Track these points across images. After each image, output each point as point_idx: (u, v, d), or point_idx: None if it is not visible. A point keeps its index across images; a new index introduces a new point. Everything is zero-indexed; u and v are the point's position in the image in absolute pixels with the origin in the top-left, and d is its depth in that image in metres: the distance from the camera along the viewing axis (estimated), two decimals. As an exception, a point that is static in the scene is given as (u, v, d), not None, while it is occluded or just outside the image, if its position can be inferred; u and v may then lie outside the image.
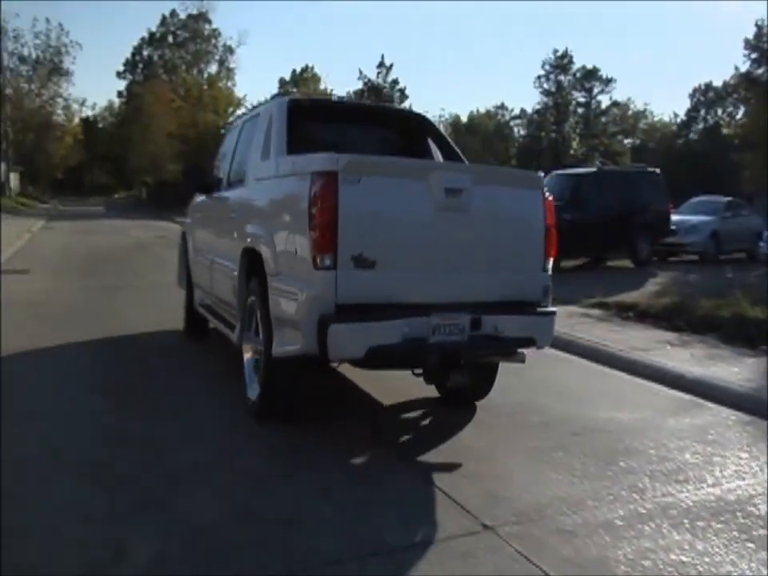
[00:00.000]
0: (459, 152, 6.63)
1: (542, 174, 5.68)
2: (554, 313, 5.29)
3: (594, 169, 18.14)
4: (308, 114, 6.39)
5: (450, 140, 6.87)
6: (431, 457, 4.64)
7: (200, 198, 8.28)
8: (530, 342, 5.09)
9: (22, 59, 68.59)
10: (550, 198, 5.37)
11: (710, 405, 6.18)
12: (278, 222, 5.13)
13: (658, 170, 17.67)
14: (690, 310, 9.77)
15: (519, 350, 5.24)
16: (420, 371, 5.39)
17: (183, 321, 8.64)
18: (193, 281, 8.28)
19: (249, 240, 5.61)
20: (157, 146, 61.18)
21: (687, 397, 6.44)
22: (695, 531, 3.70)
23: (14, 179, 62.68)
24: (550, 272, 5.34)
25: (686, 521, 3.82)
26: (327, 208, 4.43)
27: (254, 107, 6.20)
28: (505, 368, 7.01)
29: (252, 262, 5.49)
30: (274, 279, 4.97)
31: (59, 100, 71.62)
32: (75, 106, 78.86)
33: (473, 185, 4.88)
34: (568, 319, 9.84)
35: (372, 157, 5.19)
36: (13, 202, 51.98)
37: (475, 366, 5.62)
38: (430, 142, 6.86)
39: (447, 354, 4.97)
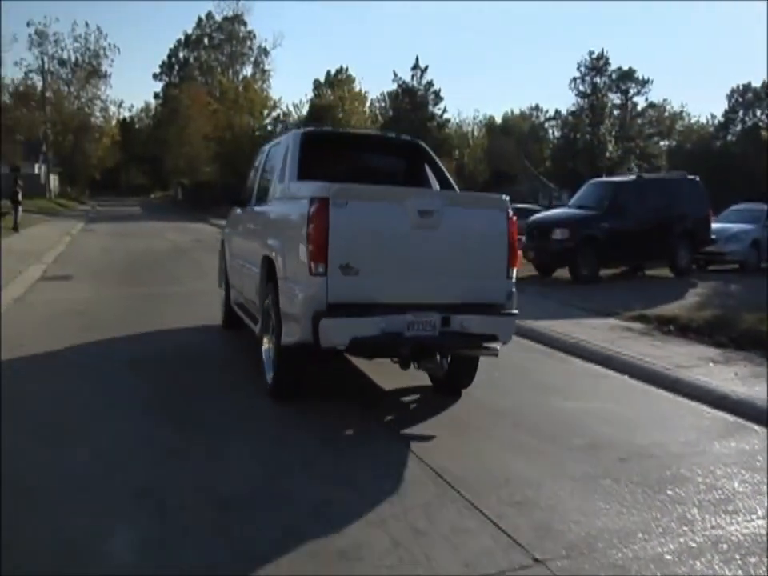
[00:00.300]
0: (449, 175, 7.78)
1: (507, 198, 6.35)
2: (515, 314, 6.19)
3: (633, 176, 17.94)
4: (320, 144, 7.51)
5: (441, 165, 7.92)
6: (479, 480, 4.66)
7: (236, 210, 9.34)
8: (493, 338, 6.03)
9: (62, 62, 69.75)
10: (514, 218, 6.27)
11: (756, 427, 6.10)
12: (286, 236, 6.25)
13: (697, 178, 17.43)
14: (733, 324, 9.65)
15: (492, 346, 6.10)
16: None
17: (222, 316, 9.80)
18: (229, 282, 9.47)
19: (267, 250, 6.74)
20: (193, 147, 61.71)
21: (732, 418, 6.37)
22: (747, 568, 3.67)
23: (53, 180, 63.71)
24: (513, 279, 6.28)
25: (737, 556, 3.79)
26: (320, 226, 5.53)
27: (279, 134, 7.83)
28: (550, 387, 7.09)
29: (269, 268, 6.58)
30: (283, 282, 6.11)
31: (97, 102, 72.65)
32: (113, 108, 79.98)
33: (443, 207, 5.91)
34: (609, 333, 9.79)
35: (357, 185, 6.14)
36: (52, 203, 52.84)
37: (457, 359, 6.67)
38: (426, 166, 7.93)
39: (420, 346, 5.92)
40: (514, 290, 6.24)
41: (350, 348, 5.63)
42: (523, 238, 16.52)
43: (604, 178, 18.77)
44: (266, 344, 6.73)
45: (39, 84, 65.01)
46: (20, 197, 27.91)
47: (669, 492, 4.60)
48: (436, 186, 7.67)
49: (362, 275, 5.62)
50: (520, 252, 7.43)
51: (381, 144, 8.66)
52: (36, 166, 59.12)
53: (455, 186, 7.63)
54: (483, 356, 6.43)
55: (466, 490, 4.45)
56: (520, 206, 39.80)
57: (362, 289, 5.64)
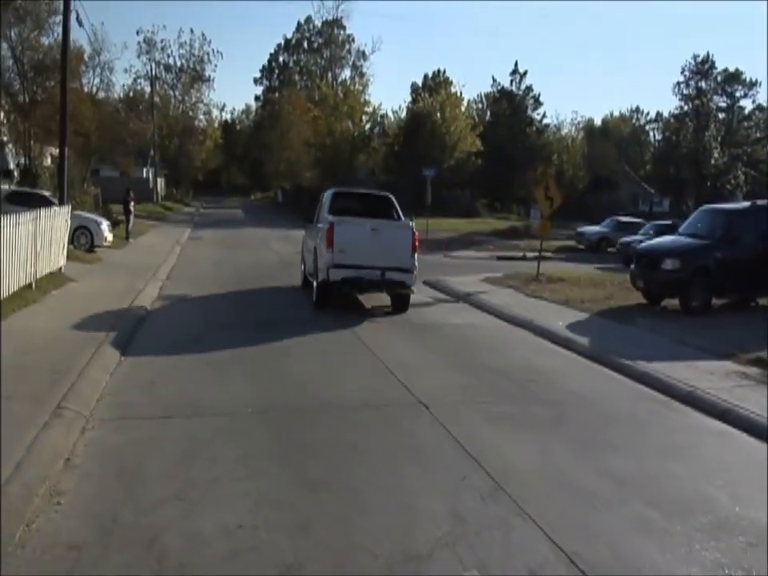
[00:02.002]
0: (400, 211, 15.54)
1: (413, 222, 14.62)
2: (414, 272, 14.03)
3: (746, 204, 17.41)
4: (343, 196, 16.00)
5: (397, 205, 15.64)
6: (612, 568, 4.72)
7: (308, 224, 17.22)
8: (403, 283, 13.88)
9: (168, 68, 72.16)
10: (416, 233, 14.21)
11: None
12: (320, 237, 14.22)
13: (815, 205, 16.75)
14: None
15: (413, 289, 14.25)
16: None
17: (301, 280, 17.49)
18: (304, 261, 17.24)
19: (315, 243, 14.83)
20: (293, 152, 62.91)
21: None
22: None
23: (160, 183, 65.95)
24: (415, 258, 13.99)
25: None
26: (330, 233, 13.70)
27: (328, 189, 16.93)
28: (669, 448, 6.99)
29: (315, 251, 14.64)
30: (319, 256, 14.17)
31: (200, 105, 74.85)
32: (215, 111, 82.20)
33: (383, 227, 14.15)
34: (725, 380, 9.57)
35: (348, 217, 14.34)
36: (159, 206, 54.75)
37: (397, 297, 14.44)
38: (392, 207, 15.54)
39: (371, 284, 13.80)
40: (416, 263, 13.99)
41: (340, 282, 13.56)
42: (632, 267, 16.34)
43: (716, 205, 18.19)
44: (314, 285, 14.43)
45: (147, 89, 67.50)
46: (131, 206, 29.03)
47: (805, 592, 4.53)
48: (394, 216, 15.27)
49: (347, 254, 13.51)
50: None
51: (371, 196, 16.54)
52: (144, 170, 61.39)
53: (401, 216, 15.30)
54: (408, 293, 14.16)
55: (600, 582, 4.46)
56: (623, 219, 38.95)
57: (347, 259, 13.51)
